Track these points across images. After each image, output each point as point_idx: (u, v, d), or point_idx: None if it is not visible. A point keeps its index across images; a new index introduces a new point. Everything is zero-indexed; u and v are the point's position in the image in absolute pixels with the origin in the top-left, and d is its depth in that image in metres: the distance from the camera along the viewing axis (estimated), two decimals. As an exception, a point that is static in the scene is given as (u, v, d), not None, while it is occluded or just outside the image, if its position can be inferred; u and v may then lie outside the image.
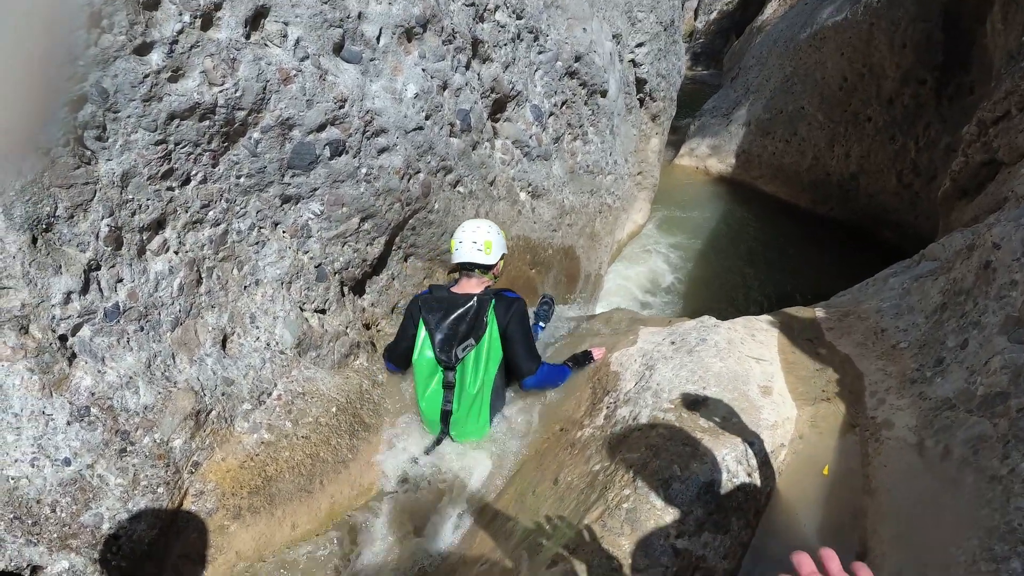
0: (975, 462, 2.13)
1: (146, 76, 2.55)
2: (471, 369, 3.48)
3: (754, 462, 2.54)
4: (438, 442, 3.59)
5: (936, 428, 2.38)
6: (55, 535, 2.37)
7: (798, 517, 2.49)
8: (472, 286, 3.68)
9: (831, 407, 2.86)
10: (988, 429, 2.18)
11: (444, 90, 3.96)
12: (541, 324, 4.55)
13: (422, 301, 3.62)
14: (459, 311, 3.53)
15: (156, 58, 2.57)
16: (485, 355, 3.49)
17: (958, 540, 1.98)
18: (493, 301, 3.56)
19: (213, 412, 2.95)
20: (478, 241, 3.65)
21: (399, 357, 3.73)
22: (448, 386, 3.52)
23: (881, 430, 2.58)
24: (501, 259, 3.84)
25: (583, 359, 3.82)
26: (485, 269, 3.73)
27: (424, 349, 3.53)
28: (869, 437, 2.60)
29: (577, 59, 5.62)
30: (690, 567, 2.26)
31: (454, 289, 3.70)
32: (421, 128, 3.73)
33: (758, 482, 2.51)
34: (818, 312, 3.80)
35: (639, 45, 7.76)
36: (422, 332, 3.55)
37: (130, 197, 2.67)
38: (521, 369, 3.54)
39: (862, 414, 2.75)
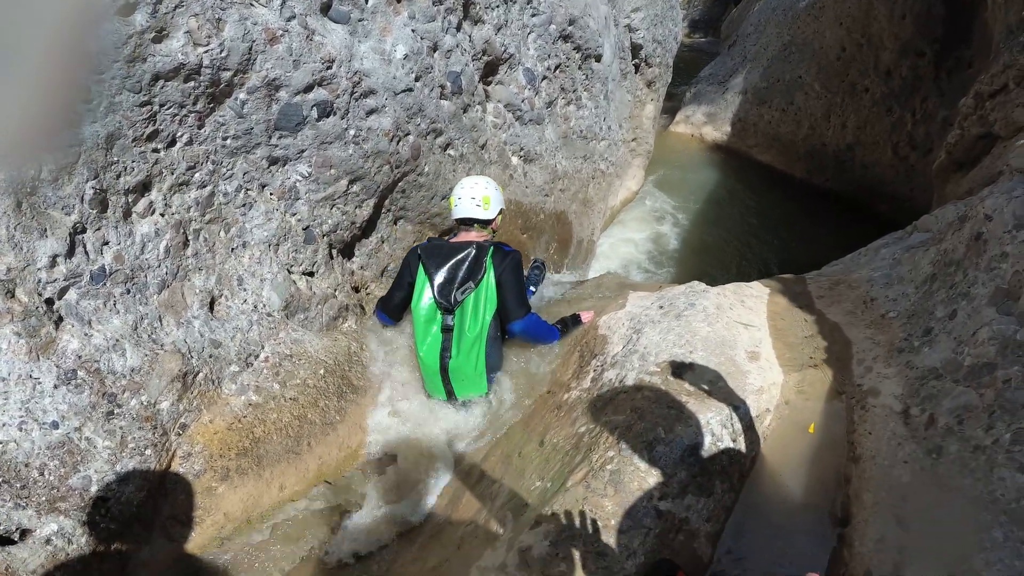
0: (960, 431, 2.15)
1: (130, 37, 2.51)
2: (471, 312, 3.53)
3: (739, 426, 2.56)
4: (449, 400, 3.65)
5: (922, 397, 2.39)
6: (44, 498, 2.37)
7: (782, 481, 2.51)
8: (472, 237, 3.74)
9: (818, 373, 2.87)
10: (974, 399, 2.20)
11: (434, 52, 3.91)
12: (532, 288, 4.55)
13: (422, 249, 3.66)
14: (459, 256, 3.58)
15: (140, 18, 2.52)
16: (484, 299, 3.54)
17: (941, 508, 2.00)
18: (492, 248, 3.61)
19: (200, 374, 2.95)
20: (476, 197, 3.71)
21: (394, 308, 3.76)
22: (447, 329, 3.55)
23: (867, 397, 2.59)
24: (499, 214, 3.89)
25: (572, 322, 3.87)
26: (484, 224, 3.78)
27: (424, 294, 3.57)
28: (855, 404, 2.62)
29: (571, 23, 5.56)
30: (673, 529, 2.28)
31: (453, 240, 3.75)
32: (411, 90, 3.69)
33: (743, 446, 2.53)
34: (809, 280, 3.81)
35: (635, 10, 7.68)
36: (422, 277, 3.59)
37: (115, 159, 2.64)
38: (511, 314, 3.57)
39: (849, 381, 2.76)
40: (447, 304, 3.53)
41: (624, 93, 7.84)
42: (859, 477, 2.35)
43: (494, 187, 3.83)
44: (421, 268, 3.60)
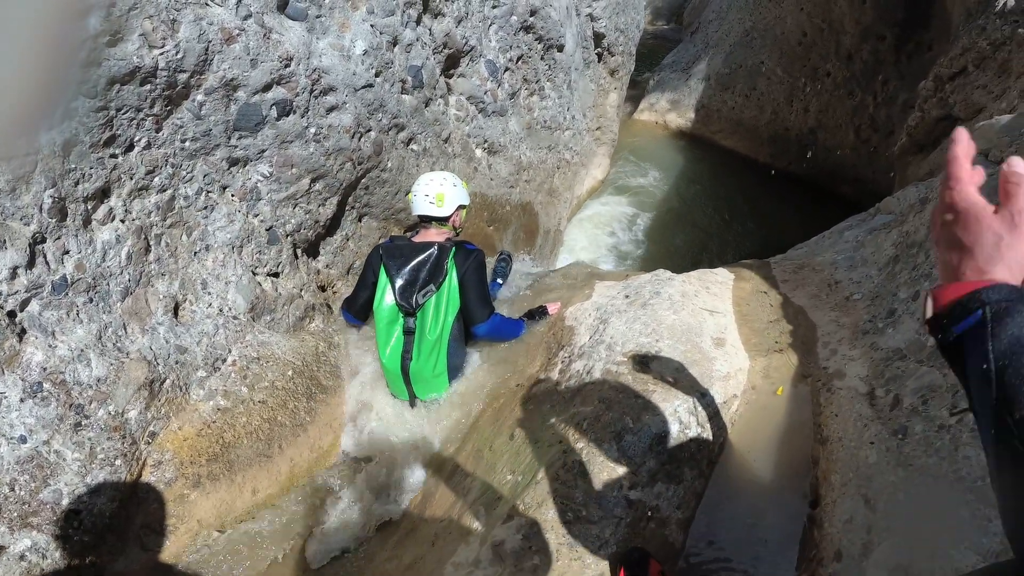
0: (924, 411, 2.18)
1: (83, 41, 2.47)
2: (432, 315, 3.51)
3: (706, 413, 2.59)
4: (411, 404, 3.63)
5: (887, 378, 2.43)
6: (15, 514, 2.34)
7: (751, 466, 2.55)
8: (432, 235, 3.70)
9: (784, 358, 2.91)
10: (938, 379, 2.23)
11: (394, 46, 3.89)
12: (499, 280, 4.55)
13: (383, 249, 3.63)
14: (420, 257, 3.55)
15: (94, 22, 2.48)
16: (445, 302, 3.53)
17: (908, 488, 2.04)
18: (454, 249, 3.59)
19: (167, 381, 2.92)
20: (430, 194, 3.65)
21: (359, 308, 3.74)
22: (408, 331, 3.54)
23: (833, 380, 2.63)
24: (459, 209, 3.83)
25: (538, 313, 3.88)
26: (442, 221, 3.74)
27: (385, 296, 3.55)
28: (821, 387, 2.66)
29: (532, 13, 5.55)
30: (643, 517, 2.31)
31: (415, 239, 3.72)
32: (371, 85, 3.67)
33: (710, 433, 2.56)
34: (773, 265, 3.85)
35: (596, -1, 7.69)
36: (383, 279, 3.57)
37: (73, 166, 2.59)
38: (474, 316, 3.58)
39: (814, 364, 2.80)
40: (408, 307, 3.51)
41: (587, 82, 7.85)
42: (827, 459, 2.38)
43: (451, 183, 3.77)
44: (383, 269, 3.58)
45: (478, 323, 3.58)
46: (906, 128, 5.55)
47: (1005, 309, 0.85)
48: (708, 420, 2.58)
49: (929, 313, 0.96)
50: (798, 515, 2.35)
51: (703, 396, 2.62)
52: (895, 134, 8.10)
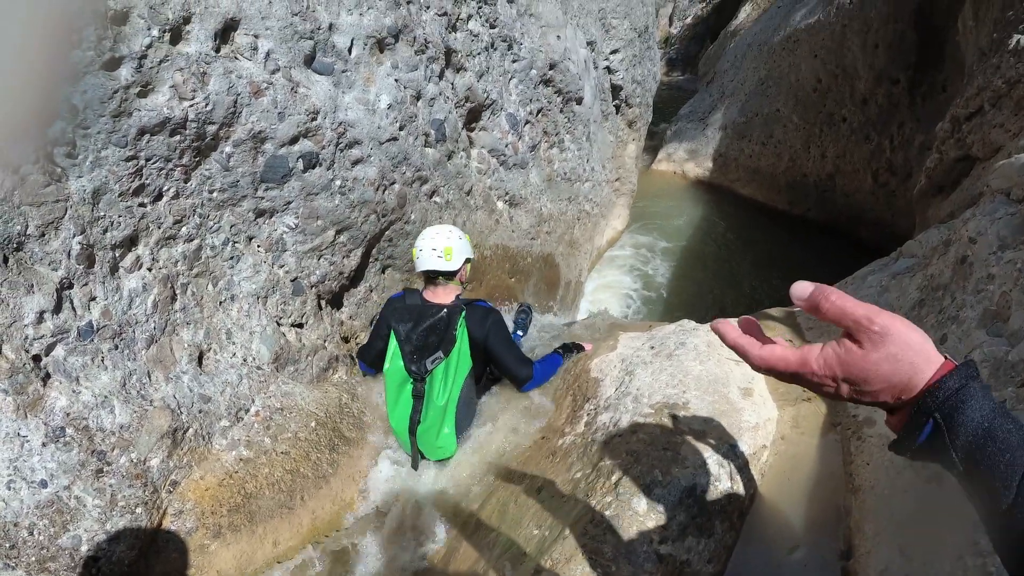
0: (959, 457, 2.13)
1: (115, 91, 2.53)
2: (439, 382, 3.44)
3: (736, 464, 2.54)
4: (415, 463, 3.57)
5: (918, 425, 2.38)
6: (33, 558, 2.33)
7: (783, 517, 2.49)
8: (440, 295, 3.59)
9: (812, 407, 2.86)
10: (969, 425, 2.18)
11: (418, 100, 3.95)
12: (519, 332, 4.53)
13: (393, 308, 3.56)
14: (429, 322, 3.47)
15: (125, 73, 2.54)
16: (454, 369, 3.44)
17: (943, 535, 1.98)
18: (464, 312, 3.49)
19: (190, 430, 2.91)
20: (437, 248, 3.52)
21: (372, 360, 3.68)
22: (417, 396, 3.46)
23: (863, 428, 2.58)
24: (466, 263, 3.71)
25: (575, 348, 3.82)
26: (449, 276, 3.60)
27: (395, 359, 3.48)
28: (851, 435, 2.61)
29: (552, 67, 5.64)
30: (675, 572, 2.25)
31: (426, 295, 3.61)
32: (395, 139, 3.71)
33: (741, 484, 2.50)
34: (797, 313, 3.81)
35: (613, 52, 7.79)
36: (393, 342, 3.50)
37: (101, 214, 2.64)
38: (517, 377, 3.54)
39: (843, 412, 2.75)
40: (418, 372, 3.44)
41: (606, 134, 7.93)
42: (859, 508, 2.33)
43: (457, 236, 3.63)
44: (392, 333, 3.51)
45: (524, 381, 3.54)
46: (924, 170, 5.54)
47: (954, 406, 0.81)
48: (738, 472, 2.53)
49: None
50: (831, 567, 2.29)
51: (732, 447, 2.58)
52: (913, 177, 8.11)
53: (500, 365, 3.54)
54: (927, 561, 1.97)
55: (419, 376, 3.44)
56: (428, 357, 3.42)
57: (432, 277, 3.60)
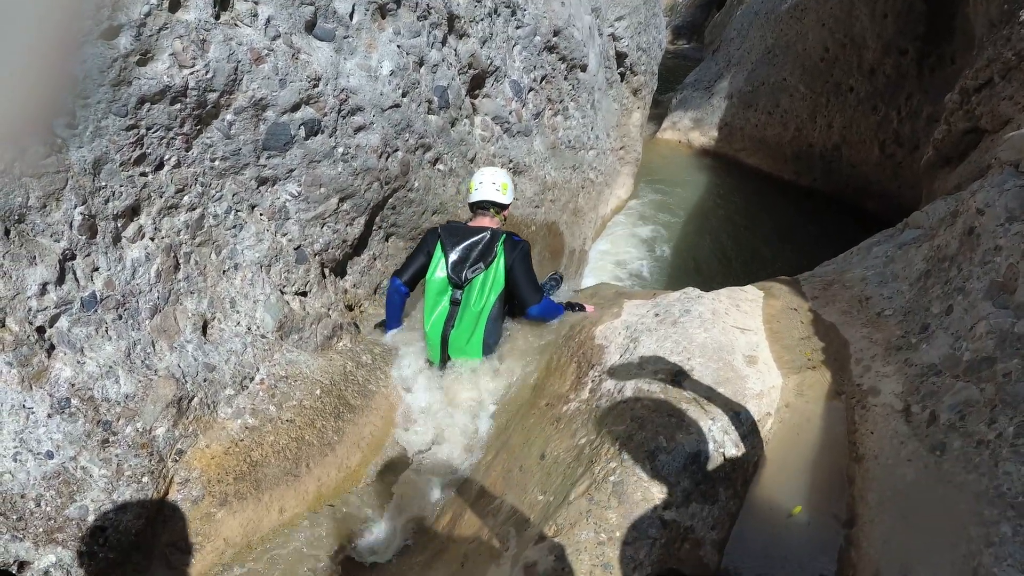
0: (962, 427, 2.13)
1: (114, 60, 2.50)
2: (477, 290, 3.82)
3: (740, 432, 2.54)
4: (443, 364, 3.93)
5: (922, 394, 2.38)
6: (41, 529, 2.33)
7: (786, 485, 2.49)
8: (486, 222, 4.00)
9: (817, 375, 2.86)
10: (975, 394, 2.18)
11: (420, 67, 3.91)
12: (550, 296, 4.65)
13: (442, 228, 3.93)
14: (474, 238, 3.85)
15: (124, 42, 2.51)
16: (491, 281, 3.83)
17: (946, 505, 1.98)
18: (504, 236, 3.88)
19: (195, 399, 2.92)
20: (496, 182, 4.00)
21: (410, 277, 3.95)
22: (454, 302, 3.86)
23: (867, 397, 2.58)
24: (510, 204, 4.16)
25: (577, 306, 4.20)
26: (499, 208, 4.06)
27: (437, 270, 3.84)
28: (855, 404, 2.60)
29: (556, 33, 5.57)
30: (679, 538, 2.26)
31: (470, 223, 4.01)
32: (398, 105, 3.68)
33: (745, 451, 2.51)
34: (803, 282, 3.80)
35: (618, 19, 7.71)
36: (438, 254, 3.86)
37: (103, 184, 2.62)
38: (527, 300, 3.89)
39: (848, 381, 2.75)
40: (458, 280, 3.81)
41: (610, 102, 7.86)
42: (863, 477, 2.33)
43: (510, 177, 4.13)
44: (439, 245, 3.85)
45: (531, 305, 3.90)
46: (932, 142, 5.49)
47: None
48: (742, 439, 2.53)
49: None
50: (835, 535, 2.30)
51: (737, 415, 2.58)
52: (920, 148, 8.04)
53: (516, 286, 3.88)
54: (929, 531, 1.98)
55: (458, 284, 3.84)
56: (470, 267, 3.83)
57: (484, 208, 4.05)
